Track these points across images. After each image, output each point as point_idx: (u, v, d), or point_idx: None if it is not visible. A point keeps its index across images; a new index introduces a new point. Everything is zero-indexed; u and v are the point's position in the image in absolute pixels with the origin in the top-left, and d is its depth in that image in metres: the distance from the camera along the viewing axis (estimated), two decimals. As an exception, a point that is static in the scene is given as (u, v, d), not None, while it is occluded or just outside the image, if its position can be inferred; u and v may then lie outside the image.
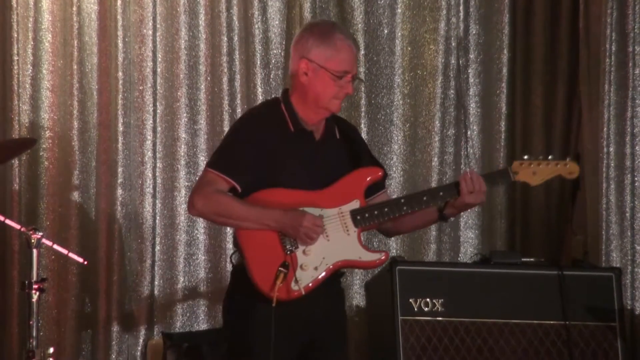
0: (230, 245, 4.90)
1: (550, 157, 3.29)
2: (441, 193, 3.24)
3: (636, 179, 5.03)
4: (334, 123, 3.36)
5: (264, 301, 3.16)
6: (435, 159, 5.11)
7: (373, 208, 3.24)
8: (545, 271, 4.53)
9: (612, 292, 4.49)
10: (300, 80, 3.28)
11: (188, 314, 4.93)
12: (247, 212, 3.21)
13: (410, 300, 4.43)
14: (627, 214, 4.97)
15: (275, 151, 3.25)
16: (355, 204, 3.24)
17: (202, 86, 4.96)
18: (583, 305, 4.46)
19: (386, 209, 3.22)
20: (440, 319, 4.42)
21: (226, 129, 4.91)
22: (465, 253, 5.13)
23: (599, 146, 5.04)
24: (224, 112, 4.95)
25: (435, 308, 4.43)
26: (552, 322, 4.44)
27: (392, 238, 5.07)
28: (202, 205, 3.24)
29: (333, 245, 3.22)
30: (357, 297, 5.05)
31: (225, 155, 3.28)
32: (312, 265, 3.19)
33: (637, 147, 5.05)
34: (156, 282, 4.91)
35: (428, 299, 4.43)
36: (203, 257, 4.96)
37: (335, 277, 3.31)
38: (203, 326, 4.91)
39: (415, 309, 4.42)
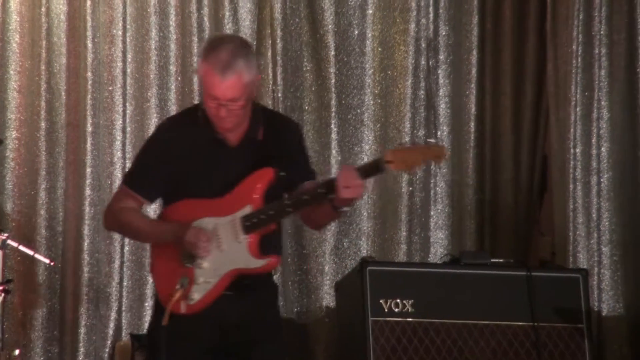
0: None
1: (420, 141, 3.20)
2: (319, 190, 3.15)
3: (602, 180, 5.08)
4: (259, 124, 3.28)
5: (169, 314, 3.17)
6: (406, 159, 5.12)
7: (261, 213, 3.18)
8: (513, 272, 4.56)
9: (579, 294, 4.54)
10: None
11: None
12: (145, 228, 3.27)
13: (381, 301, 4.44)
14: (594, 215, 5.03)
15: (183, 162, 3.23)
16: (247, 210, 3.19)
17: (173, 86, 4.93)
18: (551, 306, 4.50)
19: (272, 213, 3.17)
20: (410, 319, 4.44)
21: (196, 129, 4.90)
22: (435, 253, 5.16)
23: (566, 147, 5.09)
24: (194, 113, 4.92)
25: (406, 309, 4.45)
26: (520, 323, 4.48)
27: (363, 239, 5.11)
28: (108, 221, 3.34)
29: (225, 254, 3.19)
30: (327, 297, 5.07)
31: (134, 170, 3.33)
32: (204, 278, 3.18)
33: (602, 149, 5.10)
34: (125, 283, 4.89)
35: (398, 300, 4.45)
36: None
37: (260, 277, 3.25)
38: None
39: (386, 310, 4.44)
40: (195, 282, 3.18)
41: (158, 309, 3.26)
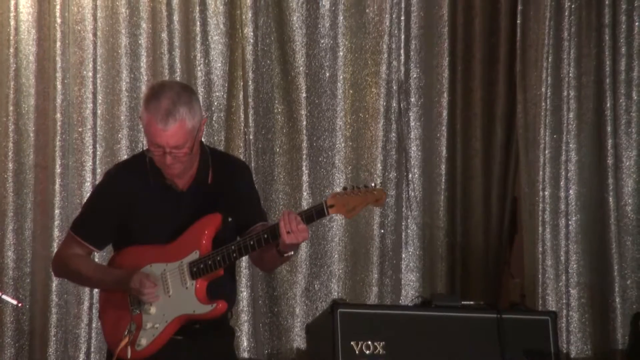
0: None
1: (362, 186, 3.23)
2: (265, 236, 3.20)
3: (570, 222, 5.11)
4: (208, 167, 3.31)
5: None
6: (377, 201, 5.13)
7: (208, 258, 3.22)
8: (484, 314, 4.57)
9: (549, 336, 4.55)
10: None
11: (126, 356, 4.88)
12: (93, 276, 3.31)
13: (352, 343, 4.43)
14: (562, 258, 5.04)
15: (132, 209, 3.26)
16: (194, 256, 3.23)
17: (144, 128, 4.94)
18: (521, 348, 4.50)
19: (219, 258, 3.20)
20: (381, 362, 4.44)
21: (167, 170, 4.90)
22: (406, 296, 5.15)
23: (535, 190, 5.11)
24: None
25: (377, 351, 4.44)
26: (490, 365, 4.50)
27: (334, 281, 5.10)
28: (55, 268, 3.37)
29: (173, 300, 3.23)
30: (297, 339, 5.05)
31: (82, 218, 3.36)
32: (152, 323, 3.22)
33: (570, 191, 5.13)
34: (94, 325, 4.86)
35: (369, 342, 4.44)
36: (142, 299, 4.92)
37: (212, 321, 3.26)
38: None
39: (357, 352, 4.43)
40: (143, 328, 3.21)
41: (108, 356, 3.29)
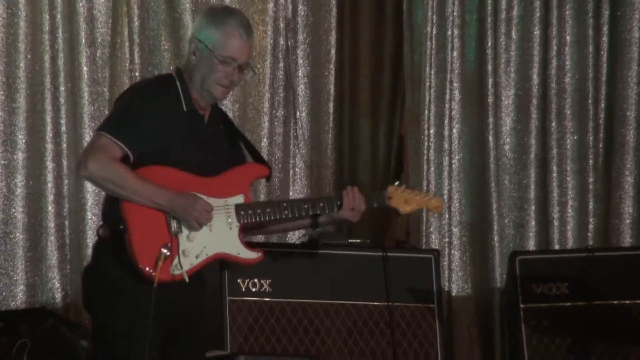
0: (51, 224, 4.76)
1: (418, 188, 3.68)
2: (321, 204, 3.35)
3: (453, 161, 5.22)
4: (218, 111, 3.38)
5: (139, 279, 3.15)
6: (265, 139, 5.11)
7: (257, 206, 3.29)
8: (370, 252, 4.67)
9: (432, 274, 4.69)
10: (190, 60, 3.28)
11: (4, 293, 4.75)
12: (141, 187, 3.15)
13: (239, 280, 4.47)
14: (445, 196, 5.16)
15: (169, 127, 3.21)
16: (240, 199, 3.27)
17: (22, 64, 4.72)
18: (405, 286, 4.63)
19: (269, 210, 3.28)
20: (267, 299, 4.49)
21: (47, 107, 4.73)
22: (293, 233, 5.19)
23: (421, 128, 5.20)
24: (46, 90, 4.75)
25: (263, 288, 4.49)
26: (375, 302, 4.60)
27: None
28: (96, 169, 3.14)
29: (215, 236, 3.24)
30: (185, 277, 5.04)
31: (122, 122, 3.20)
32: (194, 252, 3.20)
33: (454, 130, 5.24)
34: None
35: (256, 280, 4.49)
36: (21, 236, 4.78)
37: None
38: (22, 305, 4.74)
39: (243, 289, 4.47)
40: (184, 254, 3.17)
41: (112, 271, 3.18)
